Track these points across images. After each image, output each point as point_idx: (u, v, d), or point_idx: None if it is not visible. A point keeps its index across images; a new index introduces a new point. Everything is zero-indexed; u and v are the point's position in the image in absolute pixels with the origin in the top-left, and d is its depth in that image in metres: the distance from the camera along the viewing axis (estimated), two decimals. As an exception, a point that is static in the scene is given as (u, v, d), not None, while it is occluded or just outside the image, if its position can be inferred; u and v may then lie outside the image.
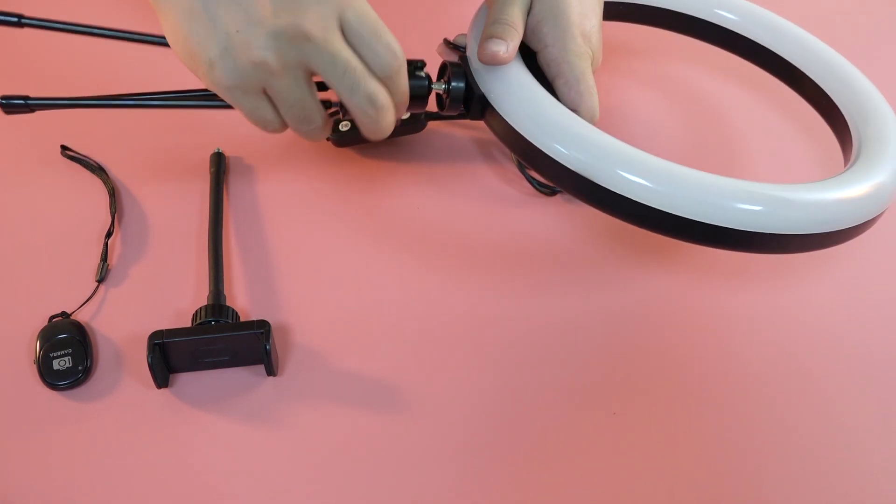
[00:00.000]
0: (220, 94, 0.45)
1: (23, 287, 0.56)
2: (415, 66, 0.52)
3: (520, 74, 0.52)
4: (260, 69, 0.43)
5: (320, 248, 0.60)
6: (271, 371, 0.52)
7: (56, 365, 0.52)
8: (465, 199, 0.63)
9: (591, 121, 0.52)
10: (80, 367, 0.52)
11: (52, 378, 0.51)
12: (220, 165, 0.62)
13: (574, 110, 0.52)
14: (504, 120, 0.51)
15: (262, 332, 0.51)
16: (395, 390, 0.53)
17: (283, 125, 0.48)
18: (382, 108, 0.46)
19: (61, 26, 0.49)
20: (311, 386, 0.53)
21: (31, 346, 0.53)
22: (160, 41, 0.48)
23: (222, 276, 0.56)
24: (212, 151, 0.63)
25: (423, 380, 0.54)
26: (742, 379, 0.55)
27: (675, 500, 0.50)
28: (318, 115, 0.48)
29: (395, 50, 0.45)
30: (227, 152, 0.64)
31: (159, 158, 0.64)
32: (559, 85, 0.51)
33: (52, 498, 0.48)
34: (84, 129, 0.65)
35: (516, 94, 0.51)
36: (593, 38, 0.52)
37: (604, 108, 0.66)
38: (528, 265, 0.60)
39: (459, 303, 0.57)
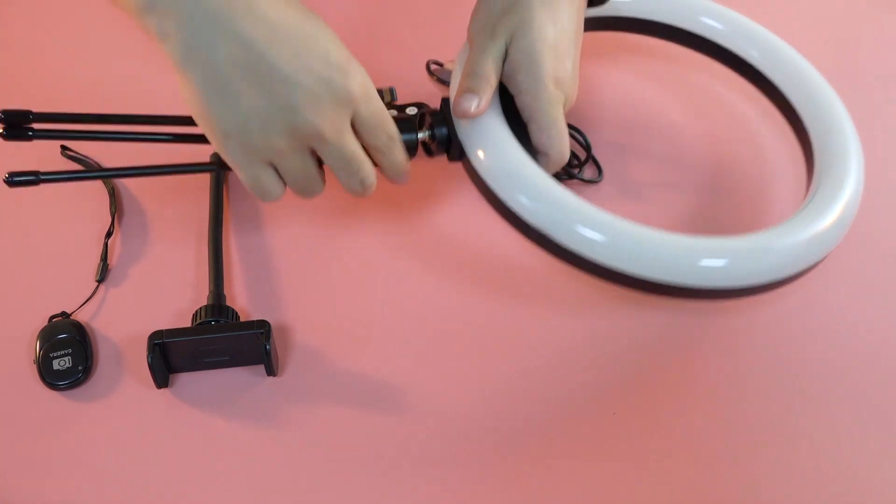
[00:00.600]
0: (227, 162, 0.48)
1: (23, 287, 0.56)
2: (408, 122, 0.54)
3: (495, 127, 0.53)
4: (272, 150, 0.46)
5: (320, 248, 0.60)
6: (271, 371, 0.52)
7: (56, 365, 0.52)
8: (467, 198, 0.63)
9: (560, 163, 0.54)
10: (80, 367, 0.52)
11: (52, 378, 0.51)
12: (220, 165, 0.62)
13: (544, 153, 0.53)
14: (475, 169, 0.53)
15: (262, 332, 0.51)
16: (395, 390, 0.53)
17: (283, 194, 0.50)
18: (370, 188, 0.51)
19: (73, 134, 0.52)
20: (311, 386, 0.53)
21: (31, 346, 0.53)
22: (196, 139, 0.50)
23: (222, 276, 0.56)
24: (212, 151, 0.63)
25: (423, 380, 0.54)
26: (741, 378, 0.55)
27: (676, 499, 0.50)
28: (319, 186, 0.51)
29: (394, 137, 0.51)
30: (227, 152, 0.64)
31: (159, 158, 0.64)
32: (532, 129, 0.53)
33: (52, 498, 0.48)
34: (84, 129, 0.65)
35: (489, 147, 0.52)
36: (566, 81, 0.54)
37: (610, 104, 0.66)
38: (530, 265, 0.60)
39: (459, 303, 0.57)
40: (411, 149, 0.54)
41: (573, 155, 0.65)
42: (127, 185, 0.62)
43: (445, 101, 0.55)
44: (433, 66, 0.68)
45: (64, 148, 0.63)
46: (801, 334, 0.57)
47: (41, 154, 0.63)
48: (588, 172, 0.65)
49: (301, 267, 0.58)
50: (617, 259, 0.49)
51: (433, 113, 0.55)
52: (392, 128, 0.51)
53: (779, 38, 0.63)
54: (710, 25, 0.64)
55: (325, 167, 0.51)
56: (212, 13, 0.42)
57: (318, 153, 0.48)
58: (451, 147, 0.54)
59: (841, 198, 0.53)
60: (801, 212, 0.53)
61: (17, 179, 0.49)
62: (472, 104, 0.52)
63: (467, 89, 0.52)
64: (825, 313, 0.58)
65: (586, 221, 0.49)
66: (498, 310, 0.57)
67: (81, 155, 0.63)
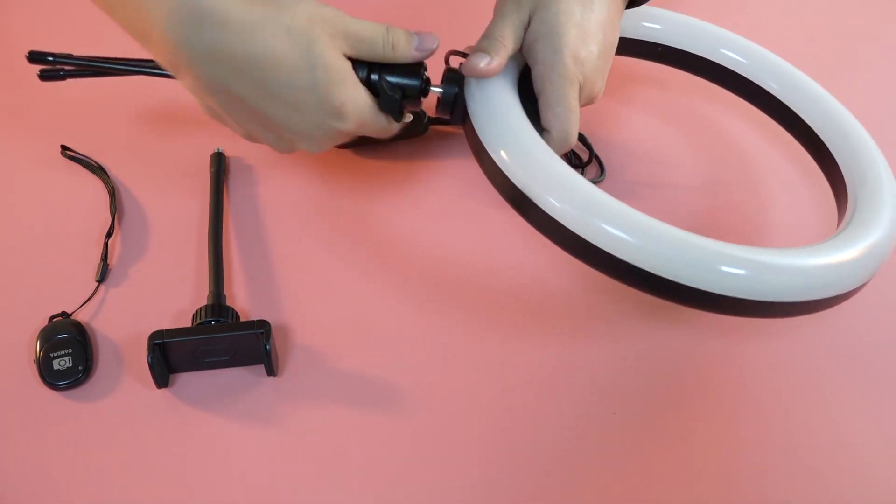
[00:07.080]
0: None
1: (23, 287, 0.56)
2: (415, 67, 0.52)
3: (501, 91, 0.52)
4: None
5: (320, 248, 0.60)
6: (271, 371, 0.52)
7: (56, 365, 0.52)
8: (465, 199, 0.63)
9: (564, 145, 0.52)
10: (80, 367, 0.52)
11: (52, 378, 0.51)
12: (220, 165, 0.62)
13: (548, 131, 0.52)
14: (474, 129, 0.51)
15: (262, 332, 0.51)
16: (395, 390, 0.53)
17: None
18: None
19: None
20: (311, 386, 0.53)
21: (31, 346, 0.53)
22: None
23: (222, 276, 0.56)
24: (212, 151, 0.63)
25: (423, 380, 0.54)
26: (741, 380, 0.55)
27: (676, 499, 0.50)
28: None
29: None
30: (227, 152, 0.64)
31: (159, 158, 0.64)
32: (540, 103, 0.52)
33: (53, 498, 0.48)
34: (84, 129, 0.65)
35: (490, 108, 0.51)
36: (587, 64, 0.52)
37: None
38: (528, 266, 0.60)
39: (460, 303, 0.57)
40: (415, 94, 0.52)
41: (576, 154, 0.65)
42: (127, 185, 0.62)
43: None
44: (452, 58, 0.67)
45: (64, 148, 0.63)
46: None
47: (41, 154, 0.64)
48: (591, 173, 0.65)
49: (301, 267, 0.58)
50: (593, 236, 0.46)
51: (450, 70, 0.54)
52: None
53: (796, 68, 0.62)
54: (731, 57, 0.63)
55: None
56: (200, 74, 0.45)
57: None
58: (455, 107, 0.53)
59: (884, 217, 0.52)
60: (843, 230, 0.52)
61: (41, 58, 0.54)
62: (483, 62, 0.50)
63: (480, 49, 0.51)
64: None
65: (568, 191, 0.47)
66: (499, 310, 0.57)
67: (81, 155, 0.63)
